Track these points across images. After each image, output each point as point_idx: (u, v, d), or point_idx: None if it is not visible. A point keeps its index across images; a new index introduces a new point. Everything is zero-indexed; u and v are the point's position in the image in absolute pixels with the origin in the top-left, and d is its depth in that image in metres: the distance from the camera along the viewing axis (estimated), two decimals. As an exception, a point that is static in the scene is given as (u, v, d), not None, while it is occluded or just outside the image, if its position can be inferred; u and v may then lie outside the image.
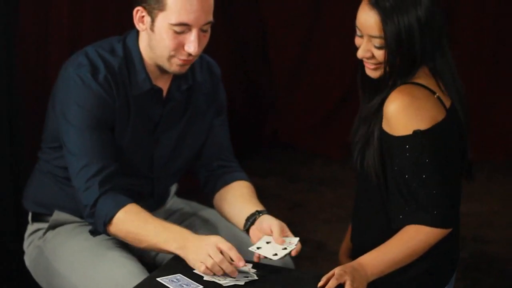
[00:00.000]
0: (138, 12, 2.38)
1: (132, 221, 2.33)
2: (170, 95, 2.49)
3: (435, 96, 2.31)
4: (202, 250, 2.22)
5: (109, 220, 2.33)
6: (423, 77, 2.33)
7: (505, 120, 5.14)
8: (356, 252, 2.44)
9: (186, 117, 2.54)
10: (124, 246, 2.49)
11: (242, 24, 4.97)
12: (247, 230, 2.42)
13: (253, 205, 2.45)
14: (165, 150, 2.53)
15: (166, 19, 2.33)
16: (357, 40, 2.35)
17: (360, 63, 2.41)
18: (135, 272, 2.36)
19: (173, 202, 2.76)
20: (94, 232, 2.43)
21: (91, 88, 2.37)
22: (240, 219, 2.44)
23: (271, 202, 4.51)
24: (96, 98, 2.37)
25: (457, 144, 2.36)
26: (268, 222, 2.36)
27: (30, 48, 3.26)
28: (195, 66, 2.52)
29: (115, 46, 2.45)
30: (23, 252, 2.66)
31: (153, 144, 2.50)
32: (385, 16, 2.26)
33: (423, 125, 2.26)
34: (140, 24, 2.39)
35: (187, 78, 2.50)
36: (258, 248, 2.30)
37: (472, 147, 2.45)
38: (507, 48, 5.12)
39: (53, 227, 2.56)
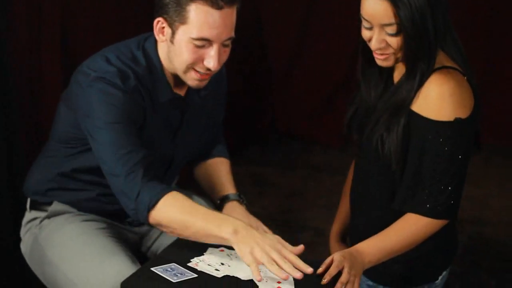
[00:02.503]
0: (159, 23, 2.32)
1: (180, 206, 2.23)
2: (188, 100, 2.46)
3: (465, 79, 2.26)
4: (257, 238, 2.14)
5: (154, 205, 2.23)
6: (445, 60, 2.27)
7: (503, 104, 5.13)
8: (357, 234, 2.44)
9: (203, 121, 2.54)
10: (117, 236, 2.47)
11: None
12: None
13: (224, 187, 2.56)
14: (182, 154, 2.54)
15: (187, 33, 2.27)
16: (365, 33, 2.25)
17: (362, 53, 2.34)
18: (127, 263, 2.33)
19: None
20: (132, 223, 2.40)
21: (122, 91, 2.29)
22: (214, 197, 2.57)
23: (270, 190, 4.53)
24: (127, 100, 2.29)
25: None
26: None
27: (23, 47, 3.26)
28: None
29: (135, 54, 2.38)
30: (19, 240, 2.64)
31: (173, 149, 2.49)
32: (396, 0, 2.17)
33: (464, 113, 2.22)
34: (160, 35, 2.33)
35: (206, 84, 2.45)
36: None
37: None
38: (502, 29, 5.11)
39: (49, 216, 2.54)
